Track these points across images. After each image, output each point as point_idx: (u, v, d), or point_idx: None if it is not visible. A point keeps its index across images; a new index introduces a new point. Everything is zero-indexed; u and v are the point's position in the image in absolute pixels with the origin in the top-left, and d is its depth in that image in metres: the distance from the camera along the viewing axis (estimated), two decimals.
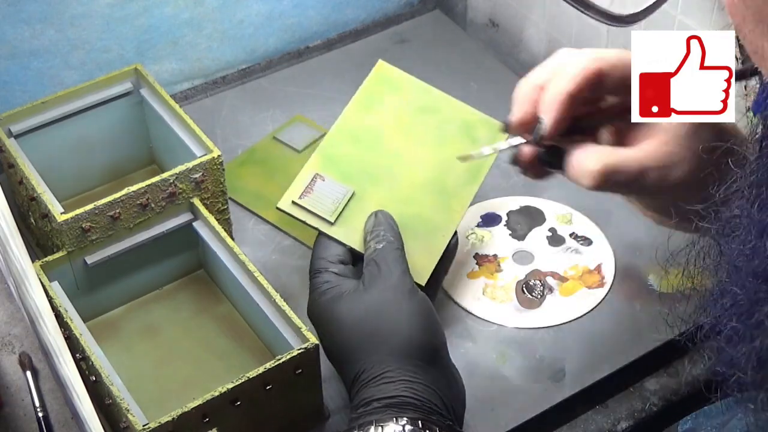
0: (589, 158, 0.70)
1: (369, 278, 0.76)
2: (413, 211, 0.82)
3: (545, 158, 0.73)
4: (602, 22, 0.65)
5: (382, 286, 0.75)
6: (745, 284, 0.52)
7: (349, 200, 0.81)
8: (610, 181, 0.70)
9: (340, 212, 0.80)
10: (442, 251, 0.82)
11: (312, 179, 0.82)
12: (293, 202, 0.81)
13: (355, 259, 0.81)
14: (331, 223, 0.80)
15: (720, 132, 0.71)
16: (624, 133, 0.73)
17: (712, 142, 0.70)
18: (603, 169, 0.69)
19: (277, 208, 0.81)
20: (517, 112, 0.73)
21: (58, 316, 0.80)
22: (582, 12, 0.63)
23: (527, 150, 0.74)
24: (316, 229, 0.80)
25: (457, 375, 0.77)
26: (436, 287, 0.83)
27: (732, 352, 0.53)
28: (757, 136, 0.52)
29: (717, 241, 0.57)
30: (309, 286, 0.79)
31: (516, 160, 0.75)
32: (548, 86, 0.71)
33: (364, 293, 0.75)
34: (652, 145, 0.70)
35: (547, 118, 0.71)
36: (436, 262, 0.81)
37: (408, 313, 0.74)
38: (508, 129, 0.74)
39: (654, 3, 0.65)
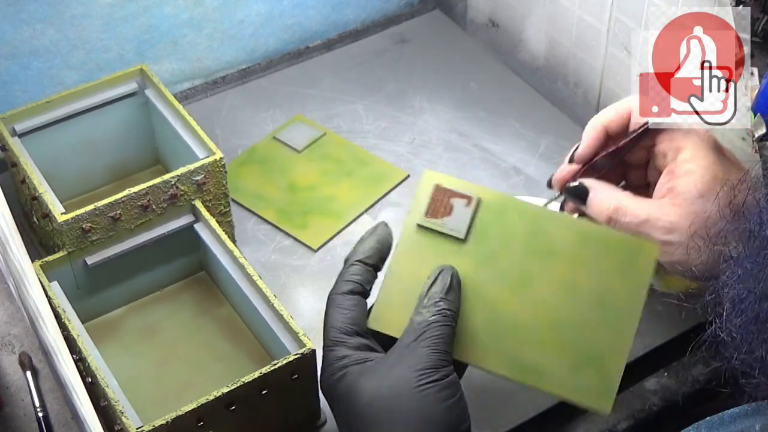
0: (606, 198, 0.78)
1: (401, 347, 0.70)
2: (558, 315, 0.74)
3: (571, 192, 0.80)
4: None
5: (412, 365, 0.69)
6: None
7: (476, 212, 0.75)
8: (620, 221, 0.77)
9: (468, 228, 0.75)
10: (622, 371, 0.72)
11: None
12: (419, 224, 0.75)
13: (380, 259, 0.75)
14: (463, 240, 0.75)
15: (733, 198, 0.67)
16: (646, 188, 0.81)
17: (721, 205, 0.68)
18: (615, 210, 0.77)
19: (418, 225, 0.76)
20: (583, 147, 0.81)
21: (57, 317, 0.80)
22: None
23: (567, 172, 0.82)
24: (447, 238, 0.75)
25: None
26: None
27: None
28: (755, 140, 0.52)
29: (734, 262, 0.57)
30: (322, 359, 0.73)
31: (551, 182, 0.83)
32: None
33: (392, 368, 0.69)
34: (664, 200, 0.76)
35: (583, 141, 0.81)
36: (618, 383, 0.72)
37: (433, 401, 0.68)
38: (551, 184, 0.82)
39: None
